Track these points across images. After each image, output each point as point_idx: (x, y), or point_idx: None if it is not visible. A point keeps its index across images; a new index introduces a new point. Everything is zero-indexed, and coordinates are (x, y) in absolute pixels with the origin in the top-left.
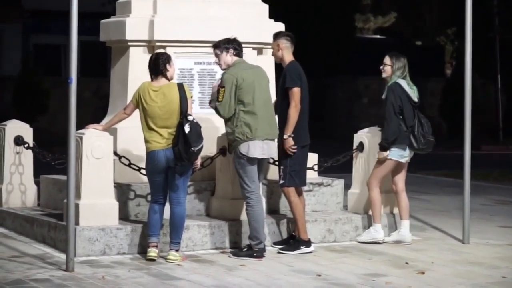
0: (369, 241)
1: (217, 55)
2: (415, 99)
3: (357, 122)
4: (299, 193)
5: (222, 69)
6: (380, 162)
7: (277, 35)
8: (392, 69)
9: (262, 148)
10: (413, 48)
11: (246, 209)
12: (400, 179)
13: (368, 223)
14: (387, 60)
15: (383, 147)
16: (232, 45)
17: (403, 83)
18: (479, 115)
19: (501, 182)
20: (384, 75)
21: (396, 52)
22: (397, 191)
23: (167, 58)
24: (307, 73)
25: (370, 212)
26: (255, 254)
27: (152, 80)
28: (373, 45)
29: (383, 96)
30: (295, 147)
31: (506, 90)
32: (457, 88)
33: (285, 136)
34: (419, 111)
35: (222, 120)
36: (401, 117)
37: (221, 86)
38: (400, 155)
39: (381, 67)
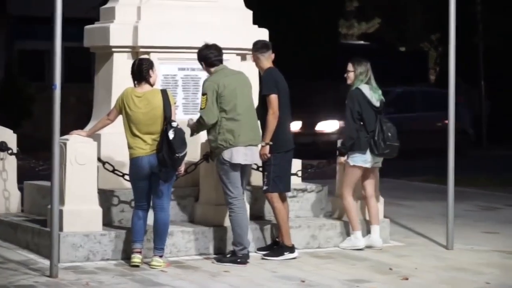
0: (350, 248)
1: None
2: (377, 104)
3: (340, 128)
4: (283, 199)
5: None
6: (347, 170)
7: (252, 47)
8: (355, 74)
9: (245, 154)
10: (397, 53)
11: (230, 215)
12: (369, 184)
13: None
14: (349, 66)
15: (340, 152)
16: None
17: (365, 88)
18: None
19: (485, 188)
20: (348, 81)
21: (359, 58)
22: (366, 196)
23: (150, 64)
24: (291, 79)
25: (345, 218)
26: (239, 260)
27: (135, 86)
28: (357, 51)
29: (346, 102)
30: (268, 156)
31: (489, 96)
32: None
33: (262, 143)
34: (383, 115)
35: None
36: (361, 122)
37: (203, 93)
38: (363, 160)
39: (345, 75)
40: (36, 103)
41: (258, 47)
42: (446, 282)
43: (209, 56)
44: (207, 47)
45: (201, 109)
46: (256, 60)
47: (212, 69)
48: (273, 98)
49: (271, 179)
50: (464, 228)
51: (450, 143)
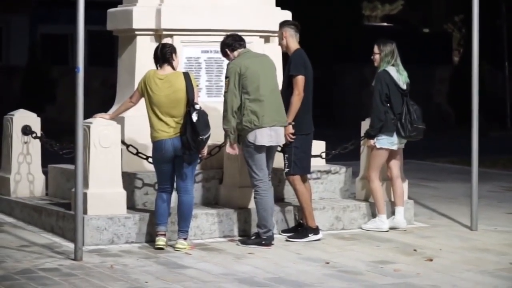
0: (373, 230)
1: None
2: (404, 86)
3: (365, 110)
4: (304, 180)
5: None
6: (374, 153)
7: (282, 24)
8: (381, 56)
9: (270, 135)
10: (420, 35)
11: (255, 197)
12: (395, 165)
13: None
14: (375, 48)
15: (369, 135)
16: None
17: (392, 71)
18: (486, 102)
19: (509, 169)
20: (375, 64)
21: (384, 39)
22: (392, 177)
23: (173, 48)
24: (315, 61)
25: (371, 200)
26: (263, 242)
27: (157, 69)
28: (380, 33)
29: (373, 84)
30: (294, 136)
31: None
32: (465, 75)
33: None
34: (409, 98)
35: None
36: (388, 104)
37: (226, 76)
38: (390, 142)
39: (372, 57)
40: (60, 87)
41: (289, 23)
42: (470, 262)
43: (231, 42)
44: (228, 36)
45: (225, 92)
46: (287, 38)
47: (236, 53)
48: (300, 79)
49: (292, 161)
50: (488, 209)
51: (474, 124)
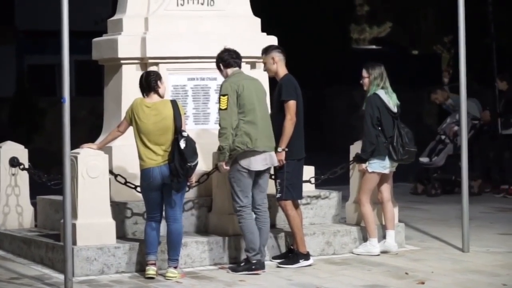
0: (364, 254)
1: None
2: (394, 109)
3: (355, 133)
4: (296, 206)
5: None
6: (365, 177)
7: (268, 49)
8: (370, 80)
9: (264, 159)
10: (409, 57)
11: (239, 222)
12: (386, 189)
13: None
14: (363, 72)
15: (361, 159)
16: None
17: (382, 94)
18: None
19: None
20: (364, 88)
21: (372, 62)
22: (383, 200)
23: (157, 76)
24: (304, 85)
25: (362, 224)
26: (253, 267)
27: (144, 97)
28: (369, 56)
29: (363, 108)
30: (285, 161)
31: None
32: None
33: (279, 149)
34: (400, 120)
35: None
36: (379, 128)
37: (222, 94)
38: (382, 166)
39: (361, 81)
40: (48, 117)
41: (275, 48)
42: (462, 285)
43: (227, 57)
44: (225, 50)
45: (221, 109)
46: (277, 62)
47: (230, 71)
48: (292, 104)
49: (284, 186)
50: (480, 230)
51: (463, 144)
